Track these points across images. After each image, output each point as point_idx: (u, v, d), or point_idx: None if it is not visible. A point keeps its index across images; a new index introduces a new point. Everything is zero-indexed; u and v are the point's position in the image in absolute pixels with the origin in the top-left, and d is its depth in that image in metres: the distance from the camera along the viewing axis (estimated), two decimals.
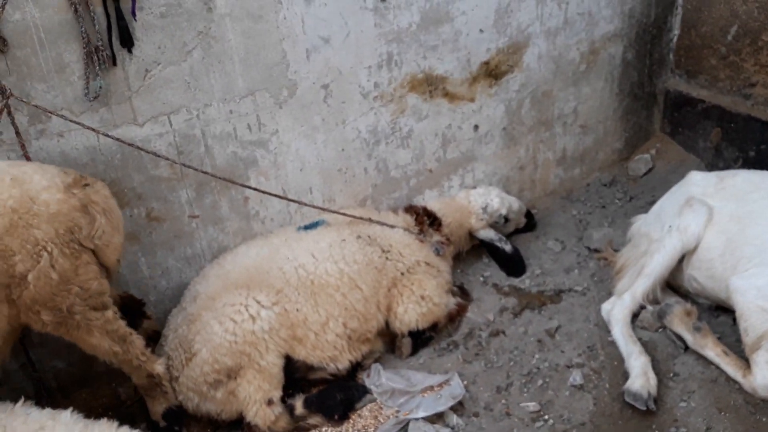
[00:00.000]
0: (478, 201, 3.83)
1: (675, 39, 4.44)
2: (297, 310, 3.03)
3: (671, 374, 2.96)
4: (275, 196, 3.35)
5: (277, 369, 2.91)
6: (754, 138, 3.96)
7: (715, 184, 3.33)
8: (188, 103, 3.09)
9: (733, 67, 4.08)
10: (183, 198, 3.26)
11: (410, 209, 3.75)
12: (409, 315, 3.31)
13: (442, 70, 3.68)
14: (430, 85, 3.69)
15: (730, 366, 2.86)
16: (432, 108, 3.76)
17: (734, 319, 3.03)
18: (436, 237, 3.67)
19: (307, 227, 3.46)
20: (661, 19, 4.33)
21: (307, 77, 3.32)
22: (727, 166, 4.10)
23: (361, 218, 3.49)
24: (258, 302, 2.92)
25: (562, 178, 4.51)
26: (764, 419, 2.68)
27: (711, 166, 4.24)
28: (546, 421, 2.85)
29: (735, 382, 2.83)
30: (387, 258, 3.39)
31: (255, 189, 3.29)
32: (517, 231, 4.10)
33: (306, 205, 3.49)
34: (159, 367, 2.86)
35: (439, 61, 3.65)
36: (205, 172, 3.14)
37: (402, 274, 3.40)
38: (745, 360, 2.84)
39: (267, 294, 2.98)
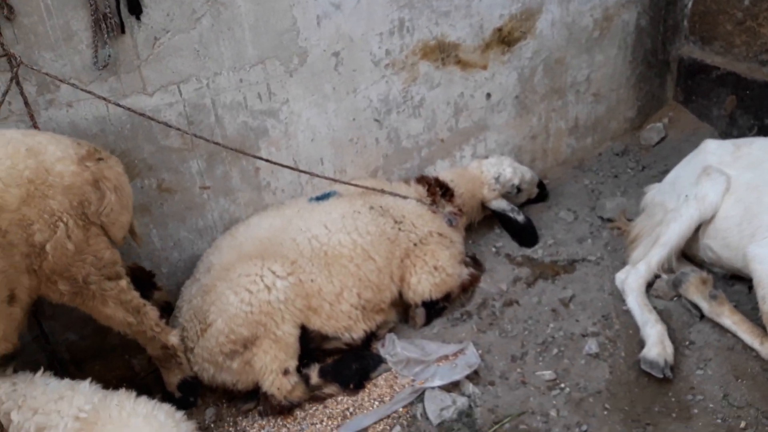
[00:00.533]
0: (490, 171, 3.79)
1: (690, 4, 4.34)
2: (311, 280, 3.02)
3: (687, 342, 2.96)
4: (286, 167, 3.31)
5: (293, 339, 2.91)
6: None
7: (732, 152, 3.28)
8: (198, 72, 3.04)
9: (750, 32, 4.00)
10: (194, 169, 3.23)
11: (422, 180, 3.71)
12: (423, 285, 3.30)
13: (454, 36, 3.61)
14: (442, 52, 3.62)
15: (746, 333, 2.86)
16: (444, 76, 3.69)
17: (750, 288, 3.01)
18: (449, 208, 3.64)
19: (319, 198, 3.43)
20: None
21: (317, 44, 3.25)
22: (741, 135, 4.04)
23: (373, 189, 3.46)
24: (273, 273, 2.90)
25: (574, 148, 4.45)
26: None
27: (725, 135, 4.18)
28: (562, 389, 2.85)
29: (752, 349, 2.83)
30: (400, 229, 3.36)
31: (266, 160, 3.24)
32: (529, 201, 4.07)
33: (317, 176, 3.45)
34: (173, 338, 2.87)
35: (452, 27, 3.58)
36: (216, 143, 3.09)
37: (415, 244, 3.37)
38: (761, 327, 2.82)
39: (282, 264, 2.96)
